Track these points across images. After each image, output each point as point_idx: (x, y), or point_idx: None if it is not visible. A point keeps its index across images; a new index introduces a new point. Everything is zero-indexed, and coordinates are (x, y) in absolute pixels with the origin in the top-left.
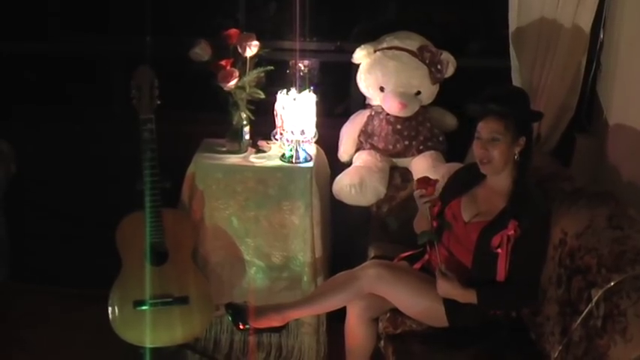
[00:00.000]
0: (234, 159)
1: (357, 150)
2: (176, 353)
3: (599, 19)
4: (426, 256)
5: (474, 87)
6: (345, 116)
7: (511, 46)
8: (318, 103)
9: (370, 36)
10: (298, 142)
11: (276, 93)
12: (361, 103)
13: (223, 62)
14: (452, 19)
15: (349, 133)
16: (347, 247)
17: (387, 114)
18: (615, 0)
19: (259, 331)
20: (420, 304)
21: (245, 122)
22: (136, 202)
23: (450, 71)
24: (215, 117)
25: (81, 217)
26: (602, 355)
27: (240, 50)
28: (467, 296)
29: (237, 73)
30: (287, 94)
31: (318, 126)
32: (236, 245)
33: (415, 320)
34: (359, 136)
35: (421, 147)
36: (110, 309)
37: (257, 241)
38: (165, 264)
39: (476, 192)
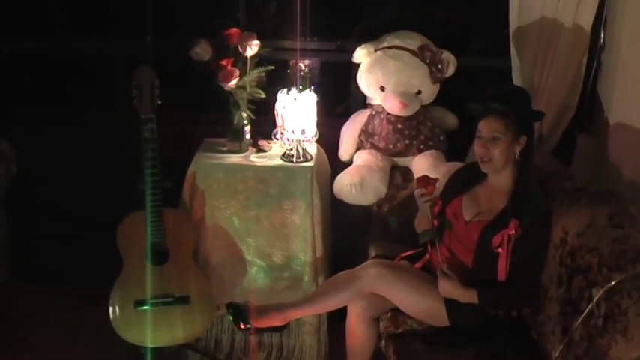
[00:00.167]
0: (234, 158)
1: (358, 149)
2: (177, 353)
3: (599, 19)
4: (427, 256)
5: (475, 86)
6: (345, 116)
7: (512, 45)
8: (318, 103)
9: (371, 35)
10: (299, 141)
11: (277, 92)
12: (362, 102)
13: (224, 62)
14: (452, 19)
15: (350, 133)
16: (348, 246)
17: (388, 113)
18: None
19: (260, 331)
20: (421, 304)
21: (246, 122)
22: (136, 201)
23: (450, 71)
24: (216, 117)
25: (81, 217)
26: (603, 355)
27: (240, 50)
28: (468, 296)
29: (237, 73)
30: (287, 93)
31: (318, 125)
32: (237, 245)
33: (416, 320)
34: (359, 135)
35: (422, 146)
36: (111, 309)
37: (258, 241)
38: (166, 264)
39: (477, 191)
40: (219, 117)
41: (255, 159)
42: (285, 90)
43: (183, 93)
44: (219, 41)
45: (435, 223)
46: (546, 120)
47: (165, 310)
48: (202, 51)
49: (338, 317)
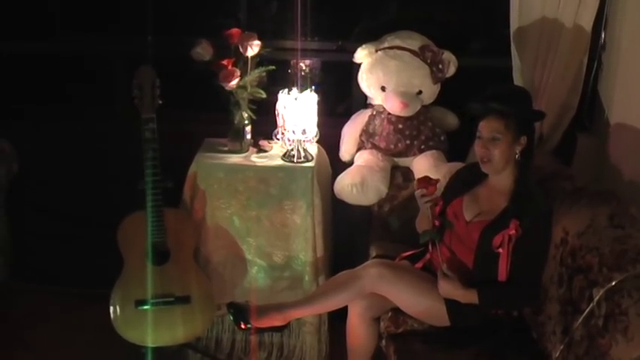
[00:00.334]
0: (235, 158)
1: (359, 149)
2: (178, 353)
3: (600, 19)
4: (428, 256)
5: (476, 86)
6: (346, 116)
7: (512, 45)
8: (319, 103)
9: (371, 35)
10: (300, 141)
11: (278, 92)
12: (362, 102)
13: (225, 62)
14: (453, 19)
15: (350, 133)
16: (348, 246)
17: (389, 113)
18: None
19: (261, 331)
20: (421, 304)
21: (246, 122)
22: (137, 201)
23: (451, 71)
24: (217, 116)
25: (82, 217)
26: (604, 355)
27: (241, 50)
28: (468, 296)
29: (238, 73)
30: (288, 93)
31: (319, 125)
32: (238, 245)
33: (417, 319)
34: (360, 135)
35: (422, 146)
36: (112, 308)
37: (258, 241)
38: (167, 263)
39: (478, 191)
40: (220, 117)
41: (256, 159)
42: (286, 90)
43: (184, 93)
44: (220, 41)
45: (437, 223)
46: (547, 120)
47: (166, 309)
48: (203, 51)
49: (339, 317)
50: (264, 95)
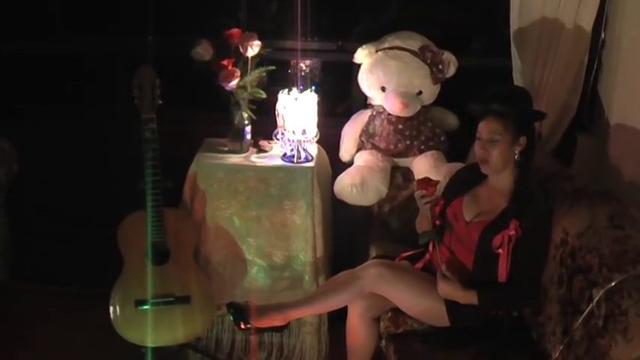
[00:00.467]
0: (235, 158)
1: (359, 150)
2: (178, 353)
3: (600, 19)
4: (428, 256)
5: (476, 87)
6: (346, 116)
7: (512, 45)
8: (319, 103)
9: (372, 36)
10: (300, 141)
11: (278, 93)
12: (362, 102)
13: (225, 62)
14: (453, 19)
15: (350, 133)
16: (348, 246)
17: (389, 114)
18: None
19: (261, 331)
20: (421, 304)
21: (246, 122)
22: (137, 201)
23: (451, 71)
24: (216, 117)
25: (82, 217)
26: (604, 355)
27: (241, 50)
28: (467, 297)
29: (238, 73)
30: (288, 93)
31: (319, 126)
32: (237, 245)
33: (416, 320)
34: (360, 135)
35: (422, 147)
36: (112, 308)
37: (258, 241)
38: (167, 263)
39: (478, 191)
40: (220, 117)
41: (256, 159)
42: (286, 90)
43: (184, 93)
44: (220, 41)
45: (437, 222)
46: (547, 120)
47: (166, 309)
48: (203, 51)
49: (339, 317)
50: (264, 95)
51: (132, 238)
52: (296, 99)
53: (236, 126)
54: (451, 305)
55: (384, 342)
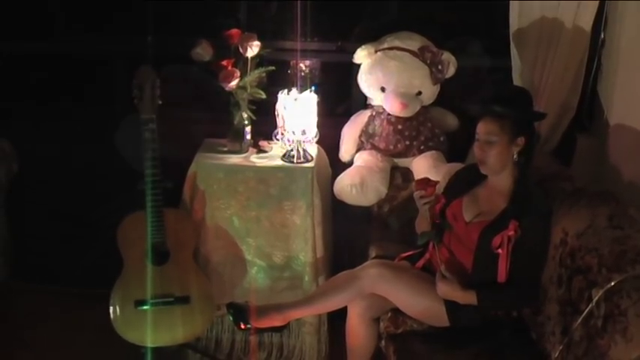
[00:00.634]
0: (235, 159)
1: (358, 150)
2: (177, 353)
3: (600, 19)
4: (428, 255)
5: (476, 87)
6: (346, 116)
7: (512, 45)
8: (319, 103)
9: (371, 36)
10: (299, 142)
11: (278, 93)
12: (362, 103)
13: (225, 62)
14: (453, 19)
15: (350, 133)
16: (348, 246)
17: (388, 114)
18: None
19: (260, 331)
20: (420, 304)
21: (246, 122)
22: (137, 201)
23: (451, 71)
24: (216, 117)
25: (82, 217)
26: (603, 355)
27: (241, 50)
28: (467, 298)
29: (238, 73)
30: (288, 94)
31: (319, 126)
32: (237, 245)
33: (416, 320)
34: (360, 136)
35: (422, 147)
36: (111, 308)
37: (258, 241)
38: (167, 264)
39: (477, 192)
40: (220, 117)
41: (256, 159)
42: (286, 90)
43: (184, 93)
44: (219, 41)
45: (437, 222)
46: (546, 120)
47: (166, 310)
48: (203, 51)
49: (338, 317)
50: (263, 96)
51: (132, 238)
52: (296, 99)
53: (236, 126)
54: (451, 305)
55: (383, 342)
